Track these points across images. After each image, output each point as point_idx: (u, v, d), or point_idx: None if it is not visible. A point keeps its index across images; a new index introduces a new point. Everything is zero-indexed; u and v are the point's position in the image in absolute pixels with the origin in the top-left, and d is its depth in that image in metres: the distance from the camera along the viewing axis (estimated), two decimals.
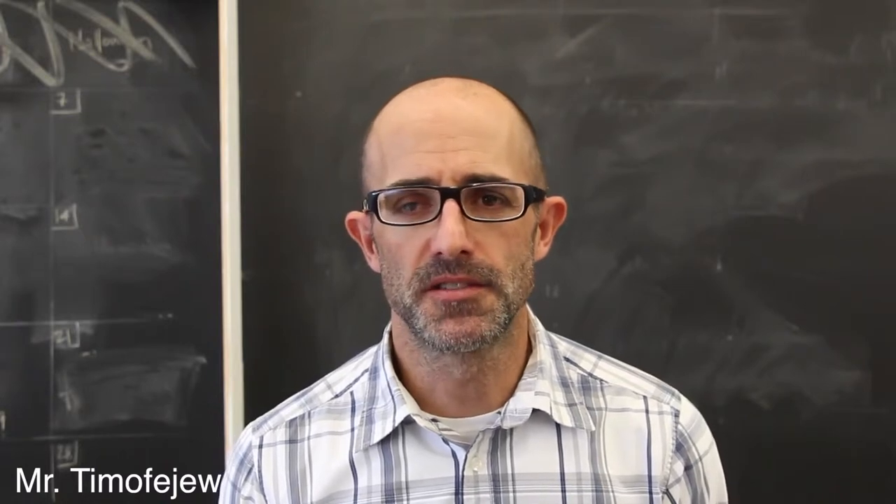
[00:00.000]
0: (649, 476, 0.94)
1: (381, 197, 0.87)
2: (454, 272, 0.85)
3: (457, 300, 0.85)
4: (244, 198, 1.78)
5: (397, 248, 0.88)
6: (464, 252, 0.84)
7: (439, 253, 0.84)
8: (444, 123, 0.86)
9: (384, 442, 0.92)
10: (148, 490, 1.78)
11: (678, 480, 0.95)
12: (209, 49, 1.78)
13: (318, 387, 1.00)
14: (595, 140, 1.83)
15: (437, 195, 0.85)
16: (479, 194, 0.86)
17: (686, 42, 1.83)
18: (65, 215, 1.81)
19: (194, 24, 1.81)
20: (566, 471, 0.92)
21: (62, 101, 1.81)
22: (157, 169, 1.82)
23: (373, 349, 1.00)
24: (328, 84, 1.84)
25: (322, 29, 1.84)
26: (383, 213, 0.88)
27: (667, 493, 0.95)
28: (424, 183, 0.85)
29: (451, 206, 0.84)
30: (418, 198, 0.86)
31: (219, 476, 1.76)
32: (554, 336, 1.00)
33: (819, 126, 1.83)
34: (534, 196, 0.88)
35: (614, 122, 1.83)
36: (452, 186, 0.84)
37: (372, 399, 0.95)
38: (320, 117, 1.83)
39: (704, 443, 0.98)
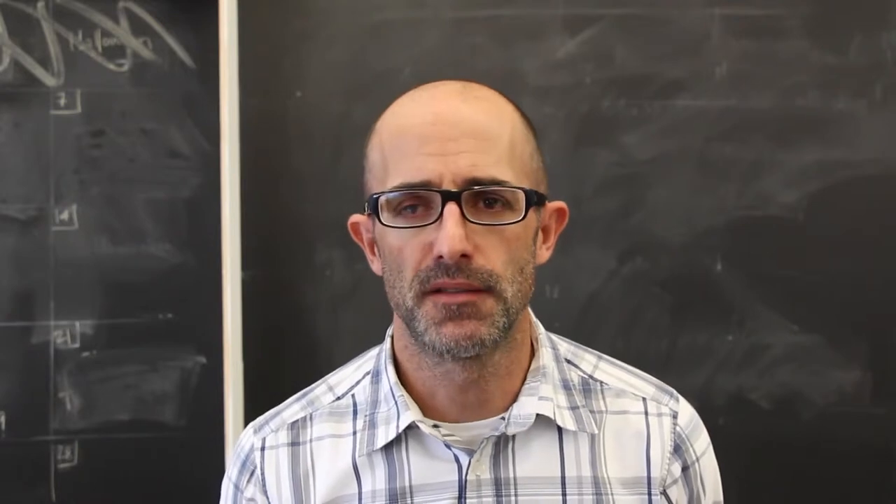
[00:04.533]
0: (648, 477, 0.94)
1: (383, 199, 0.87)
2: (453, 276, 0.84)
3: (456, 304, 0.85)
4: (244, 198, 1.78)
5: (398, 251, 0.87)
6: (464, 256, 0.84)
7: (440, 256, 0.84)
8: (444, 126, 0.86)
9: (387, 446, 0.92)
10: (148, 490, 1.79)
11: (675, 481, 0.95)
12: (209, 49, 1.78)
13: (320, 388, 1.00)
14: (595, 140, 1.83)
15: (437, 198, 0.84)
16: (479, 197, 0.86)
17: (686, 42, 1.83)
18: (65, 215, 1.81)
19: (194, 24, 1.81)
20: (567, 474, 0.92)
21: (62, 101, 1.81)
22: (157, 169, 1.82)
23: (374, 350, 1.00)
24: (328, 84, 1.84)
25: (322, 29, 1.84)
26: (384, 216, 0.87)
27: (664, 493, 0.95)
28: (425, 186, 0.85)
29: (451, 209, 0.84)
30: (419, 200, 0.86)
31: (219, 476, 1.76)
32: (554, 337, 1.00)
33: (819, 126, 1.83)
34: (535, 200, 0.88)
35: (614, 122, 1.83)
36: (453, 189, 0.84)
37: (374, 403, 0.95)
38: (320, 117, 1.83)
39: (702, 444, 0.99)
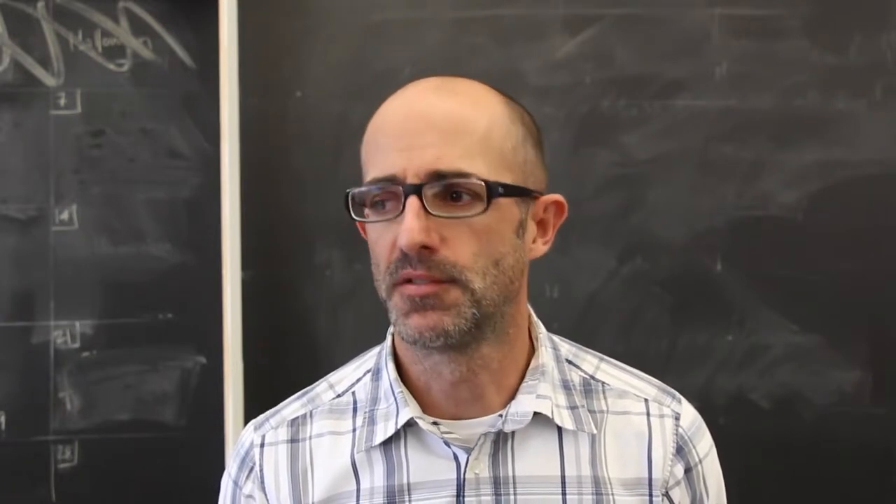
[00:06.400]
0: (650, 479, 0.94)
1: (353, 194, 0.89)
2: (416, 268, 0.85)
3: (420, 295, 0.86)
4: (244, 198, 1.78)
5: (374, 245, 0.90)
6: (426, 248, 0.85)
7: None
8: (414, 121, 0.87)
9: (386, 443, 0.93)
10: (148, 490, 1.79)
11: (678, 483, 0.95)
12: (209, 49, 1.78)
13: (320, 386, 1.01)
14: (595, 140, 1.83)
15: (402, 191, 0.86)
16: (447, 190, 0.86)
17: (686, 42, 1.83)
18: (65, 215, 1.81)
19: (194, 24, 1.81)
20: (567, 474, 0.92)
21: (62, 101, 1.81)
22: (157, 169, 1.82)
23: (376, 349, 1.00)
24: (328, 84, 1.84)
25: (322, 29, 1.84)
26: (364, 211, 0.90)
27: (666, 495, 0.95)
28: (390, 180, 0.86)
29: (411, 202, 0.85)
30: (389, 195, 0.87)
31: (219, 476, 1.76)
32: (556, 338, 1.00)
33: (819, 126, 1.83)
34: (499, 191, 0.87)
35: (614, 122, 1.83)
36: (416, 182, 0.85)
37: (374, 400, 0.95)
38: (320, 117, 1.83)
39: (704, 446, 0.98)
